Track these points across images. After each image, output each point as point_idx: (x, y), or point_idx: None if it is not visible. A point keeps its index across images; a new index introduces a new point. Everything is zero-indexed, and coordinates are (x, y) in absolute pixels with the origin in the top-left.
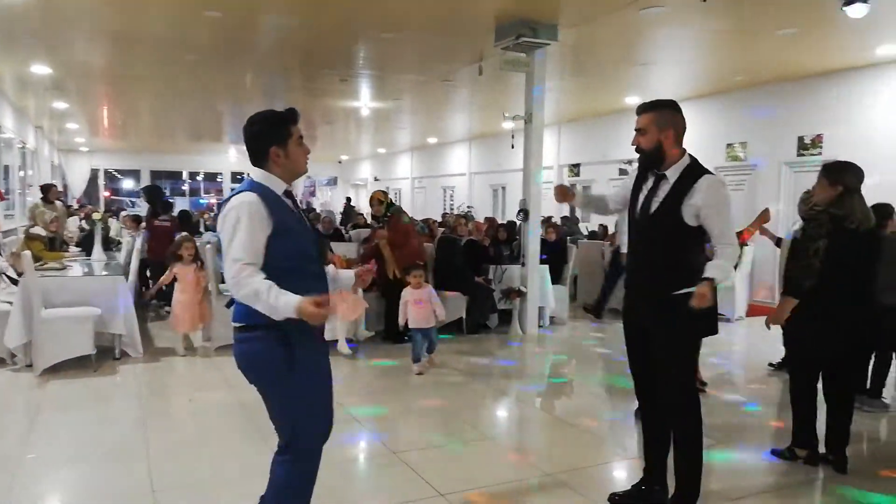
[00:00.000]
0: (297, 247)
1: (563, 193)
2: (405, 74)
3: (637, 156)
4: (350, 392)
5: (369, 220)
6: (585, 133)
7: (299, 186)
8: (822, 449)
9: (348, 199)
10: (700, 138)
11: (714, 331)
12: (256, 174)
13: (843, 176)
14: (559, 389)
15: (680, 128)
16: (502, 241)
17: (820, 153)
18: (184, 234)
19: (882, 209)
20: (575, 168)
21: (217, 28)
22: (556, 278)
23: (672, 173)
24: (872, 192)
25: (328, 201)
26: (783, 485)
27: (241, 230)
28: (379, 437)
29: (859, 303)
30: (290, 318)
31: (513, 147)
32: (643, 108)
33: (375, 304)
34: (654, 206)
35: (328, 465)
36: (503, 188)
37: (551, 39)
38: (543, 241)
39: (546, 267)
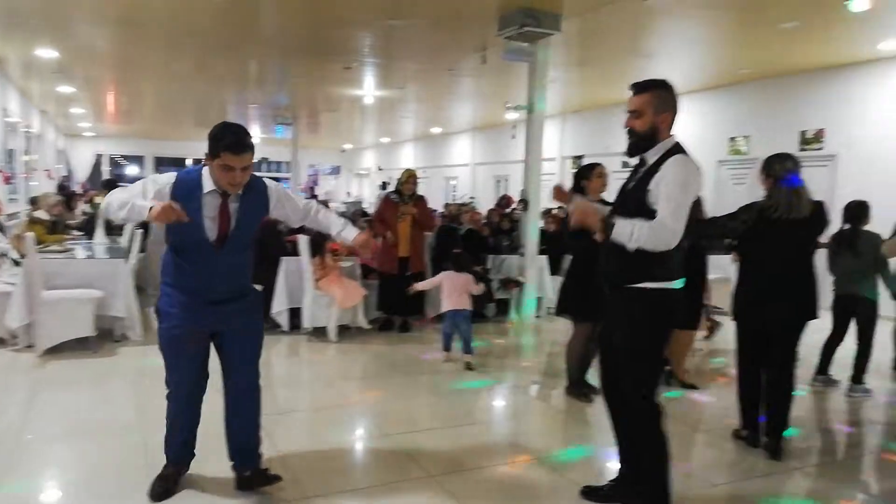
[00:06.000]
0: (182, 235)
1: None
2: (409, 63)
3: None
4: (343, 377)
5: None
6: (589, 125)
7: (302, 175)
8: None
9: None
10: (703, 131)
11: (689, 325)
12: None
13: (771, 167)
14: (554, 378)
15: (676, 111)
16: (503, 231)
17: (821, 148)
18: None
19: (857, 207)
20: (578, 160)
21: (221, 13)
22: (556, 269)
23: (652, 155)
24: (868, 186)
25: (331, 191)
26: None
27: (148, 182)
28: (370, 420)
29: (779, 287)
30: (164, 289)
31: (513, 137)
32: (640, 88)
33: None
34: (628, 189)
35: (323, 445)
36: (506, 179)
37: (554, 29)
38: (543, 232)
39: (545, 257)
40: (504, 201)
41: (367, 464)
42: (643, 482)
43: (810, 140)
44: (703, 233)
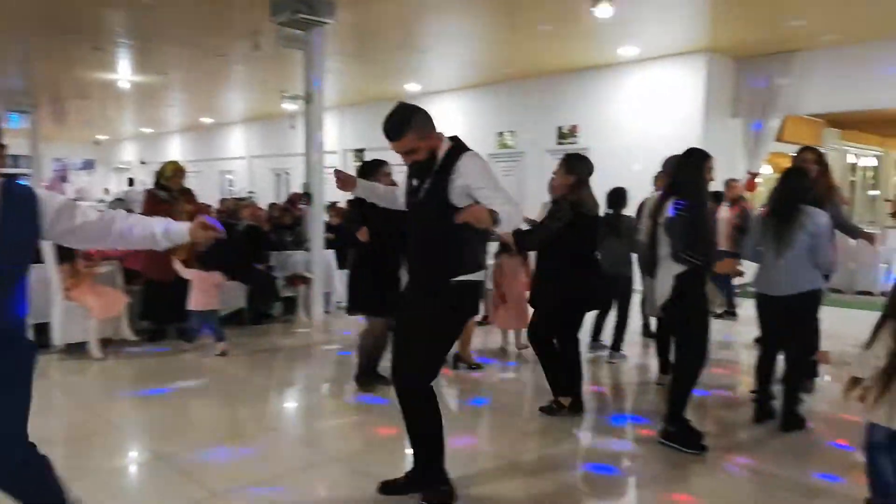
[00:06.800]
0: None
1: (344, 181)
2: (172, 46)
3: None
4: (107, 397)
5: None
6: (369, 118)
7: (46, 170)
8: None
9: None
10: (473, 127)
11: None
12: None
13: (577, 167)
14: (345, 374)
15: (432, 118)
16: (285, 225)
17: (575, 142)
18: None
19: (617, 193)
20: (360, 153)
21: None
22: (343, 263)
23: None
24: (617, 176)
25: (84, 188)
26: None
27: None
28: (147, 442)
29: (583, 271)
30: None
31: (292, 128)
32: (396, 134)
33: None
34: (422, 193)
35: (87, 477)
36: (287, 172)
37: (329, 18)
38: (328, 226)
39: (331, 252)
40: (293, 197)
41: (140, 491)
42: (425, 464)
43: (566, 135)
44: (532, 242)
